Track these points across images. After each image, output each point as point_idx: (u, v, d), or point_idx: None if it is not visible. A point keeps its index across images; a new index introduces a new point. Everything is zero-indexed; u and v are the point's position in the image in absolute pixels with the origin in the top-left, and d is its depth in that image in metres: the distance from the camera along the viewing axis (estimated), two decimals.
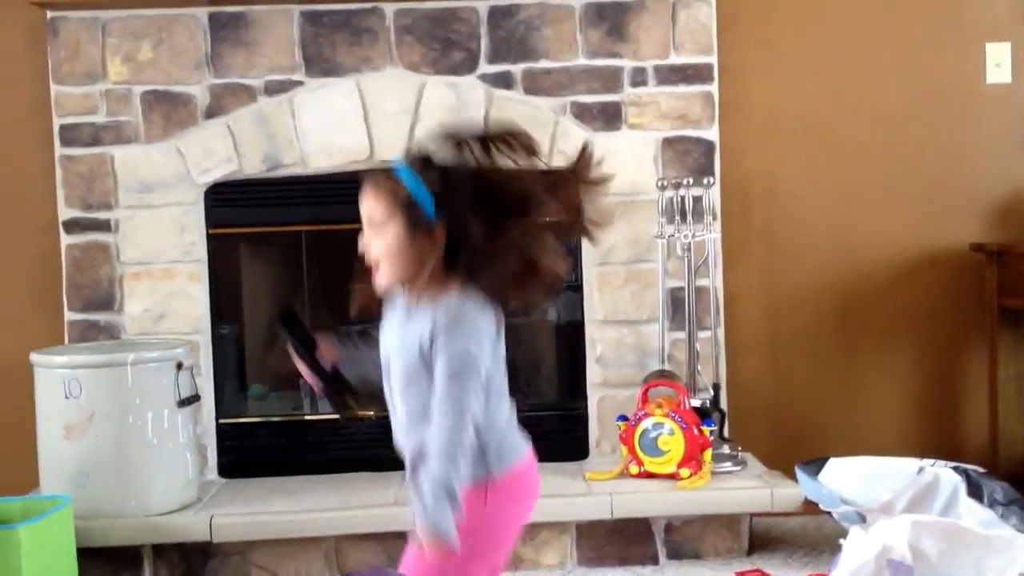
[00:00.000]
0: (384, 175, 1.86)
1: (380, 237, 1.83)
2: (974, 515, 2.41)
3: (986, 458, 3.42)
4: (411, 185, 1.82)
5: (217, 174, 3.39)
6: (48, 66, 3.37)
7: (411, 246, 1.81)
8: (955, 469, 2.52)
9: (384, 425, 3.64)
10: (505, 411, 1.90)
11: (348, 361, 2.00)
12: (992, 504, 2.48)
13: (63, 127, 3.37)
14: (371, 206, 1.84)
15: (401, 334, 1.86)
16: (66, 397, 2.97)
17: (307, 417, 3.52)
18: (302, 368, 1.99)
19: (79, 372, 2.98)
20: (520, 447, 1.92)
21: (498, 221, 1.81)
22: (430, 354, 1.79)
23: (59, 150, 3.38)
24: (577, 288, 3.48)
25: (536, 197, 1.85)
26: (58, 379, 2.98)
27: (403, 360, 1.84)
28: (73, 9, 3.33)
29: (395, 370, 1.87)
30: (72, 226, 3.39)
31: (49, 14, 3.35)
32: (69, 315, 3.39)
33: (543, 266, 1.84)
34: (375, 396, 1.99)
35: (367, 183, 1.87)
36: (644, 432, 3.18)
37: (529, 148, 1.87)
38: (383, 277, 1.85)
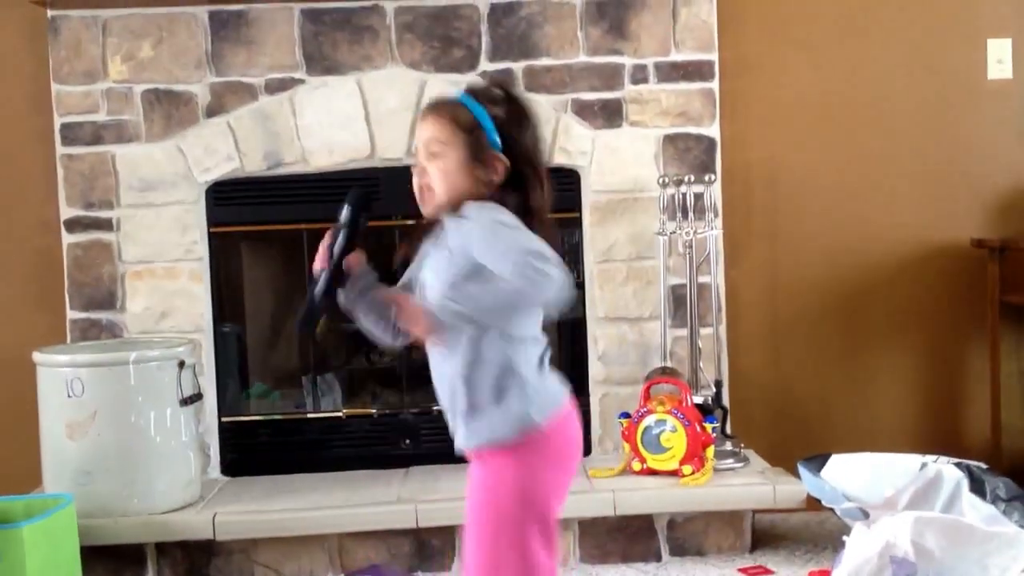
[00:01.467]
0: (447, 101, 1.86)
1: (438, 161, 1.80)
2: (977, 511, 2.42)
3: (988, 454, 3.42)
4: (476, 111, 1.82)
5: (218, 173, 3.39)
6: (49, 65, 3.37)
7: (468, 171, 1.80)
8: (957, 465, 2.53)
9: (385, 424, 3.65)
10: (538, 354, 1.82)
11: (364, 285, 1.84)
12: (995, 500, 2.49)
13: (64, 126, 3.37)
14: (431, 129, 1.82)
15: (435, 257, 1.82)
16: (68, 396, 2.97)
17: (309, 415, 3.53)
18: (322, 249, 1.83)
19: (81, 371, 2.98)
20: (559, 394, 1.84)
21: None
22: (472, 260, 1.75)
23: (60, 149, 3.38)
24: (579, 285, 3.48)
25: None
26: (60, 378, 2.98)
27: (442, 282, 1.79)
28: (74, 8, 3.33)
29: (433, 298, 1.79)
30: (73, 225, 3.39)
31: (50, 13, 3.35)
32: (71, 314, 3.39)
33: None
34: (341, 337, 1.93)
35: (429, 107, 1.87)
36: (646, 429, 3.18)
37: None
38: (434, 201, 1.82)
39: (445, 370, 1.82)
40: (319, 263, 1.83)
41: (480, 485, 1.84)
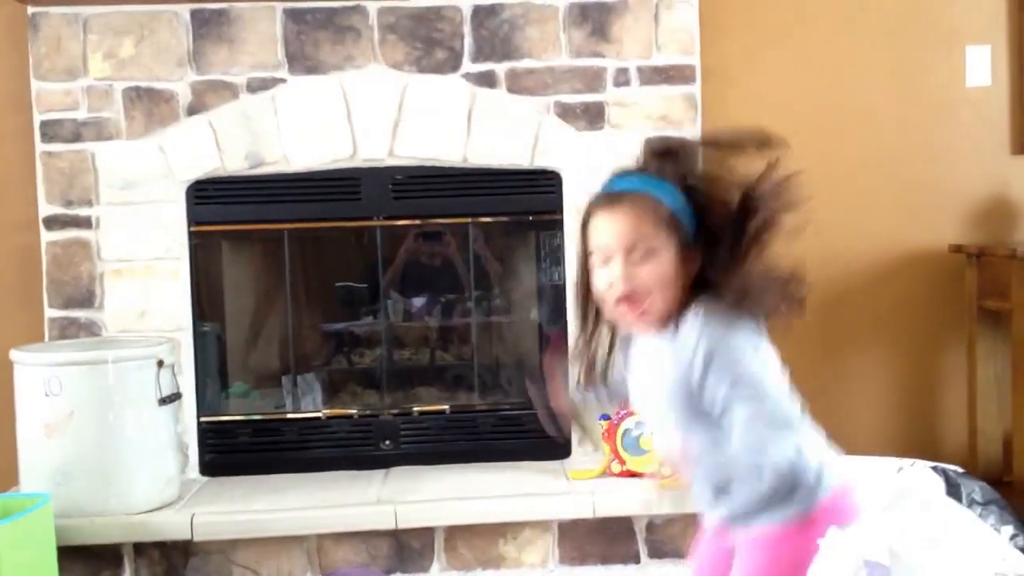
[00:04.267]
0: (636, 194, 1.62)
1: (649, 264, 1.60)
2: (952, 515, 2.43)
3: (965, 458, 3.45)
4: (672, 201, 1.60)
5: (199, 171, 3.38)
6: (29, 62, 3.35)
7: (678, 271, 1.60)
8: (934, 469, 2.54)
9: (365, 424, 3.64)
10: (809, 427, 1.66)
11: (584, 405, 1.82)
12: (970, 504, 2.50)
13: (44, 123, 3.35)
14: (634, 228, 1.60)
15: (658, 370, 1.64)
16: (46, 395, 2.95)
17: (289, 415, 3.52)
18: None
19: (59, 370, 2.96)
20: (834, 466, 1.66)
21: (739, 232, 1.60)
22: (701, 383, 1.58)
23: (40, 146, 3.36)
24: (560, 287, 3.49)
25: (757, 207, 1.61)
26: (38, 377, 2.97)
27: (670, 399, 1.63)
28: (54, 5, 3.32)
29: (660, 409, 1.67)
30: (52, 223, 3.37)
31: (30, 9, 3.33)
32: (49, 312, 3.37)
33: (783, 274, 1.62)
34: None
35: (621, 203, 1.61)
36: (626, 431, 3.18)
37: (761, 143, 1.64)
38: (652, 310, 1.62)
39: None
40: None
41: None
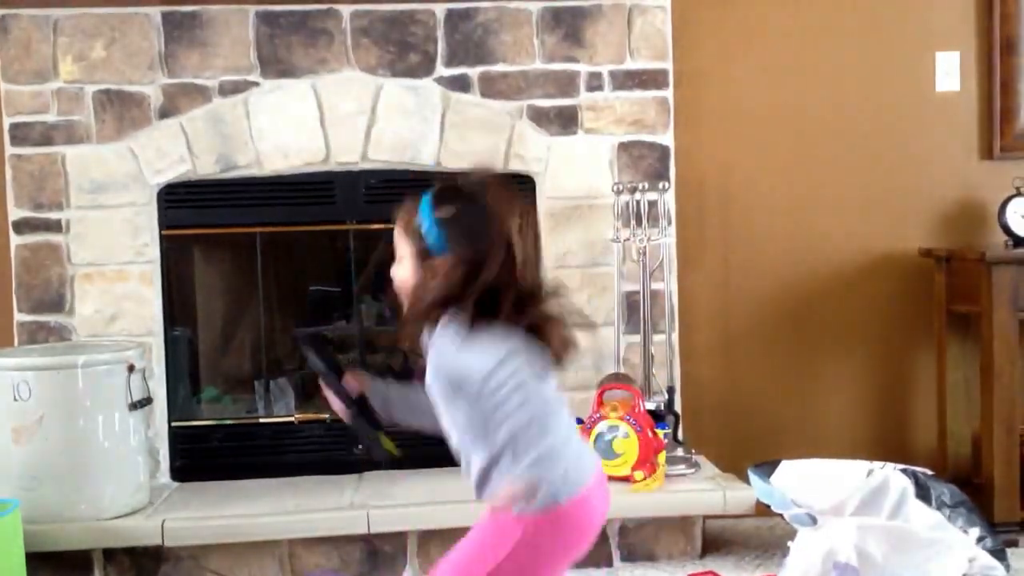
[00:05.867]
0: (409, 203, 1.82)
1: (398, 265, 1.82)
2: (922, 517, 2.45)
3: (934, 460, 3.48)
4: (423, 213, 1.79)
5: (170, 175, 3.36)
6: None
7: (416, 276, 1.79)
8: (904, 471, 2.56)
9: (338, 429, 3.62)
10: (563, 429, 1.80)
11: (378, 397, 1.91)
12: (939, 506, 2.52)
13: (13, 126, 3.33)
14: (395, 233, 1.82)
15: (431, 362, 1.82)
16: (15, 399, 2.93)
17: (261, 420, 3.50)
18: (328, 393, 1.90)
19: (28, 374, 2.94)
20: (584, 472, 1.84)
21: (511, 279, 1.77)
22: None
23: (9, 149, 3.33)
24: None
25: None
26: (7, 381, 2.94)
27: (435, 386, 1.81)
28: (24, 7, 3.29)
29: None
30: (22, 226, 3.34)
31: (0, 12, 3.30)
32: (19, 316, 3.34)
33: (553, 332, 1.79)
34: (407, 439, 1.92)
35: (398, 210, 1.83)
36: (599, 435, 3.19)
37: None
38: (412, 307, 1.81)
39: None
40: (343, 415, 1.88)
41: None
